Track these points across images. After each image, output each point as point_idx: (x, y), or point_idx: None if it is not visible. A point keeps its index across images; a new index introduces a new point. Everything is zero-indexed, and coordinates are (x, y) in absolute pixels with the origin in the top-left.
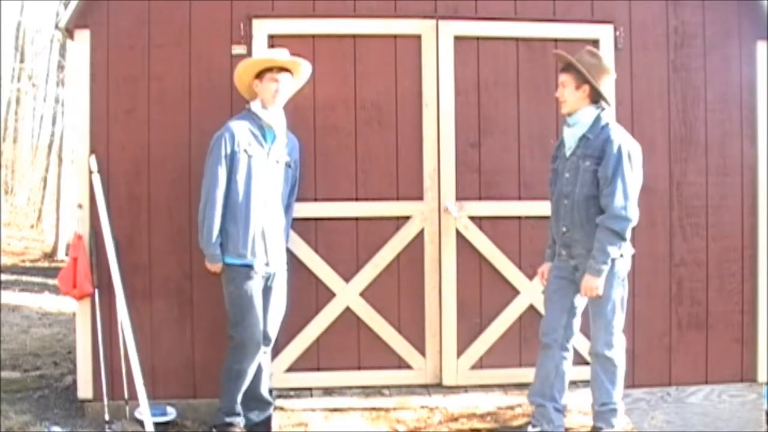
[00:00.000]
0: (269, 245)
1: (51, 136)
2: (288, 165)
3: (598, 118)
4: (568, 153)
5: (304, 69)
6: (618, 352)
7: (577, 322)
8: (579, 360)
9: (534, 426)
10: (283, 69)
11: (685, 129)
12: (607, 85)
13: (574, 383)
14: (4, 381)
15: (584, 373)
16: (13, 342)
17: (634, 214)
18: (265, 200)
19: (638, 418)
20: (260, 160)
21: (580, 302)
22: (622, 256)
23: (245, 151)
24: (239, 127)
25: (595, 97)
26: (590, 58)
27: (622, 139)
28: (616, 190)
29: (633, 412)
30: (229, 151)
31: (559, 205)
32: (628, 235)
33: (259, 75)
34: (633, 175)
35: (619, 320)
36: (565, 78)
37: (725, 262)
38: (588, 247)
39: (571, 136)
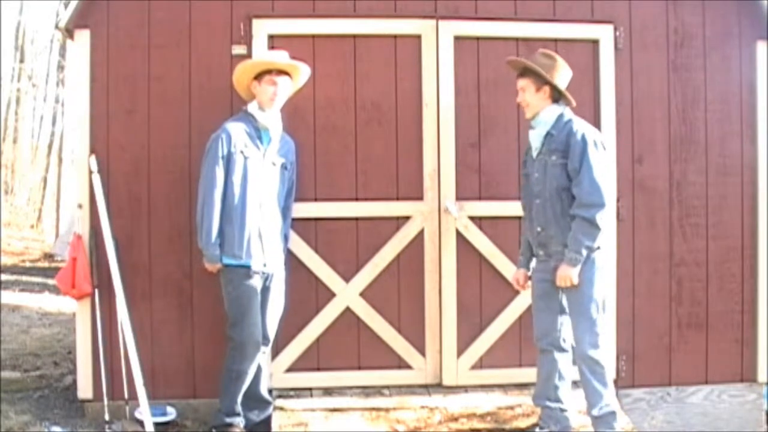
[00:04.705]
0: (266, 246)
1: (51, 136)
2: (284, 167)
3: (561, 115)
4: (535, 154)
5: (303, 72)
6: (603, 353)
7: (569, 320)
8: None
9: (542, 428)
10: (282, 72)
11: (685, 129)
12: (566, 82)
13: (574, 383)
14: (4, 381)
15: None
16: (13, 342)
17: (606, 199)
18: (262, 201)
19: (638, 418)
20: (256, 161)
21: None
22: (598, 247)
23: (241, 152)
24: (235, 129)
25: (556, 97)
26: (545, 59)
27: (584, 129)
28: (585, 178)
29: (633, 412)
30: (225, 152)
31: (532, 207)
32: (602, 223)
33: (258, 77)
34: (600, 162)
35: (602, 320)
36: (524, 83)
37: (725, 262)
38: (563, 242)
39: (536, 137)
